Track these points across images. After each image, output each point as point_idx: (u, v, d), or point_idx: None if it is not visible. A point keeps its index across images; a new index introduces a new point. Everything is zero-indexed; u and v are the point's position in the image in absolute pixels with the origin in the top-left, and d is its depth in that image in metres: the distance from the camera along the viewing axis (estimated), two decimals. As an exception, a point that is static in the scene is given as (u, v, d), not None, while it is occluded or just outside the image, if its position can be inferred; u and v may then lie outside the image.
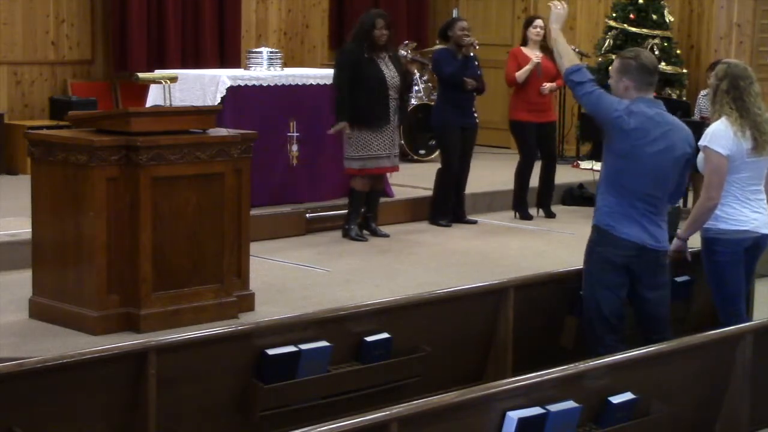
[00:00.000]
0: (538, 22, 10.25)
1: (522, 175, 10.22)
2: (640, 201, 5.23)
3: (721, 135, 5.51)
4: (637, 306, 5.42)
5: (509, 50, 10.61)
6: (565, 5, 5.67)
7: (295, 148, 9.50)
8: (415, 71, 9.37)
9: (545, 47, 10.19)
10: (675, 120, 5.35)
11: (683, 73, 12.49)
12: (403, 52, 9.52)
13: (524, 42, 10.23)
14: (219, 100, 9.01)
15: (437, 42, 13.31)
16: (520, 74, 9.95)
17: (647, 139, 5.16)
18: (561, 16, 5.56)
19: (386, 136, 8.92)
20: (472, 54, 9.76)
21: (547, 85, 10.07)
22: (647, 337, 5.39)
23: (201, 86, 9.19)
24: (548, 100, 10.30)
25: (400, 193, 10.19)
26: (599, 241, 5.32)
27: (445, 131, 9.74)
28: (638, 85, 5.23)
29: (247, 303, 6.88)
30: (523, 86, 10.07)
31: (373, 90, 8.78)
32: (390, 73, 8.89)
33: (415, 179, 10.65)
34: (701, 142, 5.53)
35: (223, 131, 6.90)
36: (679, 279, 5.88)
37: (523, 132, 10.15)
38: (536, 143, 10.15)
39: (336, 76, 8.88)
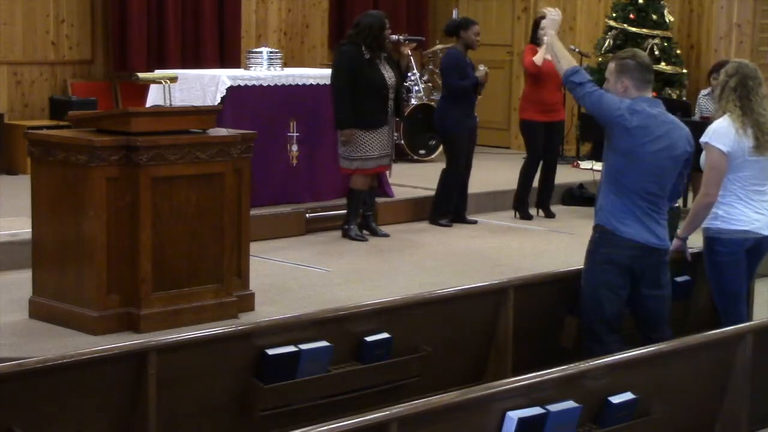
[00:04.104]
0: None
1: (526, 174, 10.22)
2: (642, 200, 5.23)
3: (722, 132, 5.53)
4: (638, 305, 5.41)
5: (523, 49, 10.56)
6: (559, 11, 5.78)
7: (295, 148, 9.50)
8: (410, 53, 9.32)
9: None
10: (675, 119, 5.37)
11: (683, 73, 12.50)
12: (394, 37, 9.47)
13: (534, 42, 10.19)
14: (219, 100, 9.01)
15: (437, 42, 13.31)
16: (538, 57, 9.92)
17: (649, 138, 5.17)
18: (556, 22, 5.66)
19: (383, 137, 8.92)
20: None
21: None
22: (647, 336, 5.39)
23: (201, 86, 9.19)
24: (559, 99, 10.28)
25: (400, 193, 10.20)
26: (602, 242, 5.31)
27: (454, 134, 9.67)
28: (637, 84, 5.25)
29: (247, 303, 6.89)
30: (534, 85, 10.05)
31: (374, 93, 8.78)
32: (388, 74, 8.89)
33: (415, 179, 10.66)
34: (703, 139, 5.55)
35: (223, 131, 6.90)
36: (679, 279, 5.88)
37: (532, 131, 10.14)
38: (544, 143, 10.13)
39: (335, 79, 8.85)
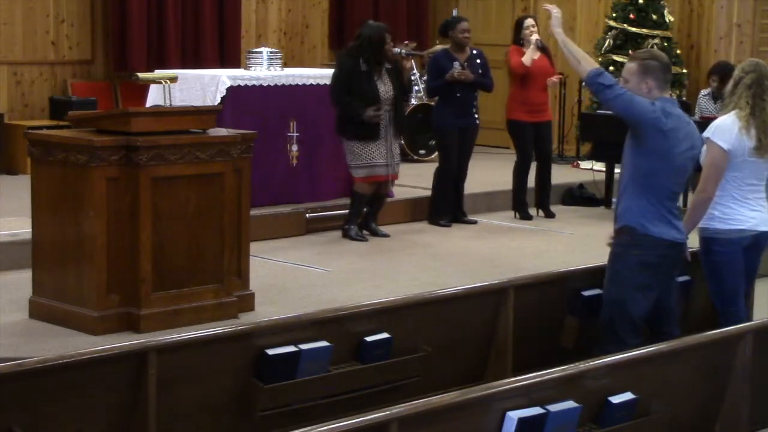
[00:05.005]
0: (529, 21, 10.26)
1: (520, 174, 10.25)
2: (667, 199, 5.22)
3: (725, 129, 5.51)
4: (659, 299, 5.37)
5: (507, 50, 10.57)
6: (557, 7, 5.66)
7: (295, 148, 9.50)
8: (412, 66, 9.29)
9: (543, 48, 10.18)
10: (689, 118, 5.39)
11: (683, 73, 12.50)
12: (397, 49, 9.48)
13: (518, 43, 10.20)
14: (219, 100, 9.01)
15: (437, 42, 13.32)
16: (526, 58, 9.94)
17: (678, 140, 5.16)
18: (559, 19, 5.53)
19: (384, 146, 8.92)
20: (475, 51, 9.76)
21: (554, 78, 10.13)
22: (658, 330, 5.38)
23: (201, 86, 9.19)
24: (545, 99, 10.30)
25: (400, 193, 10.19)
26: (634, 243, 5.23)
27: (443, 132, 9.80)
28: (660, 84, 5.22)
29: (247, 303, 6.89)
30: (520, 86, 10.07)
31: (368, 105, 8.75)
32: (384, 87, 8.87)
33: (415, 179, 10.66)
34: (705, 134, 5.52)
35: (223, 131, 6.90)
36: (679, 279, 5.87)
37: (520, 132, 10.17)
38: (533, 143, 10.16)
39: (332, 88, 8.89)
